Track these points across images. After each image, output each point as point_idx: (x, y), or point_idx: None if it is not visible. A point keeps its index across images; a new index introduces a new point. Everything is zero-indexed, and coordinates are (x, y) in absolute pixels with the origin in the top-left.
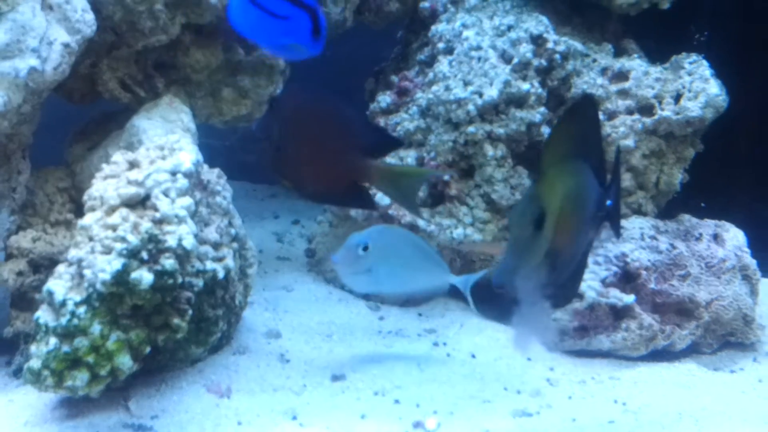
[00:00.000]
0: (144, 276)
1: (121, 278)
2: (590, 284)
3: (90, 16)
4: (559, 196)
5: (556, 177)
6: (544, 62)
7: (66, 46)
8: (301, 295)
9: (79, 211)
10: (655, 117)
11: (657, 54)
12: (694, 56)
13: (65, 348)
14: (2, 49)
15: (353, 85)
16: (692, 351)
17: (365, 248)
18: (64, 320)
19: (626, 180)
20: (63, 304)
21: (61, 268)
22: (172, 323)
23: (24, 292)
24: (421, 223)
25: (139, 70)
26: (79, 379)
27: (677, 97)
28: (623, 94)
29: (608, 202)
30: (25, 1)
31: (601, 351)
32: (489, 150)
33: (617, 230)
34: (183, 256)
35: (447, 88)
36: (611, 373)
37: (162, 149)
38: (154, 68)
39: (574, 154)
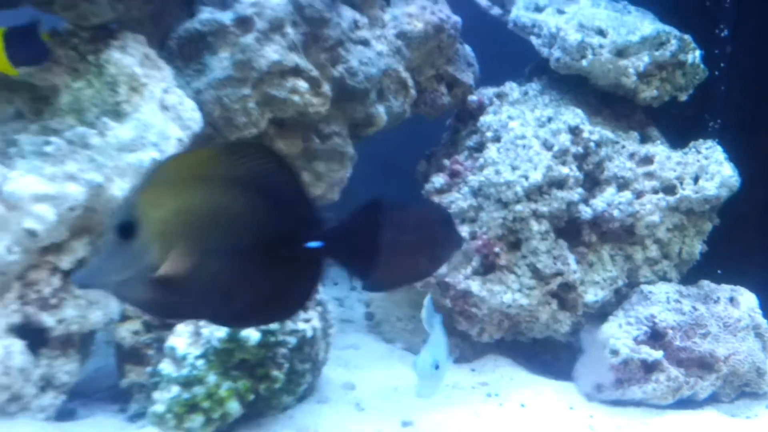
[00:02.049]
0: (252, 335)
1: (232, 336)
2: (624, 342)
3: (197, 115)
4: (167, 210)
5: (173, 188)
6: (580, 149)
7: (179, 140)
8: (367, 353)
9: None
10: (677, 196)
11: (677, 138)
12: (709, 142)
13: (185, 395)
14: (129, 144)
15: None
16: (713, 400)
17: (437, 367)
18: (185, 371)
19: (653, 251)
20: (184, 357)
21: (180, 328)
22: (272, 375)
23: (137, 348)
24: (474, 288)
25: None
26: (196, 421)
27: (696, 178)
28: (649, 175)
29: (317, 243)
30: (147, 102)
31: (634, 400)
32: (534, 225)
33: (363, 274)
34: (283, 323)
35: (497, 172)
36: (643, 420)
37: None
38: None
39: (225, 174)
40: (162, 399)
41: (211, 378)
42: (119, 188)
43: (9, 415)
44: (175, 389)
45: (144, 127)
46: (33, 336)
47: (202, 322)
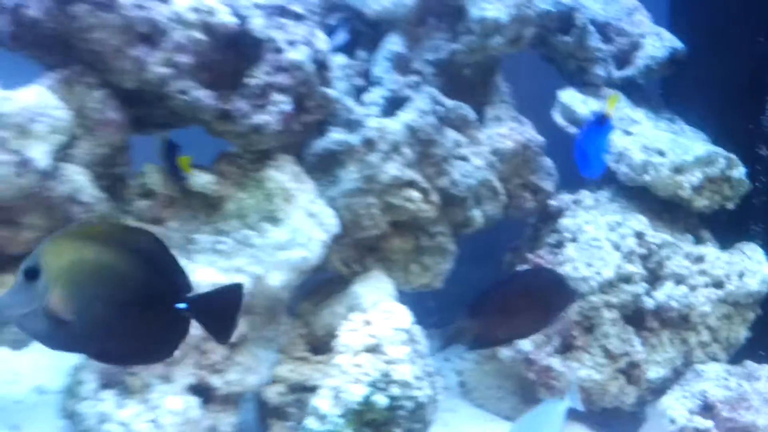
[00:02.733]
0: (380, 399)
1: (366, 400)
2: (680, 413)
3: (335, 221)
4: (66, 261)
5: (72, 244)
6: (644, 251)
7: (322, 241)
8: (463, 416)
9: (313, 350)
10: (725, 290)
11: (725, 240)
12: (752, 244)
13: None
14: (283, 244)
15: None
16: None
17: None
18: (326, 428)
19: (705, 336)
20: (325, 416)
21: (323, 392)
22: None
23: (281, 407)
24: (554, 365)
25: (356, 252)
26: None
27: (741, 275)
28: (702, 272)
29: (184, 305)
30: (296, 210)
31: None
32: (606, 314)
33: (219, 337)
34: (404, 386)
35: (574, 268)
36: None
37: (387, 312)
38: (366, 251)
39: (115, 241)
40: None
41: None
42: (276, 280)
43: None
44: None
45: (294, 230)
46: (204, 393)
47: (342, 389)
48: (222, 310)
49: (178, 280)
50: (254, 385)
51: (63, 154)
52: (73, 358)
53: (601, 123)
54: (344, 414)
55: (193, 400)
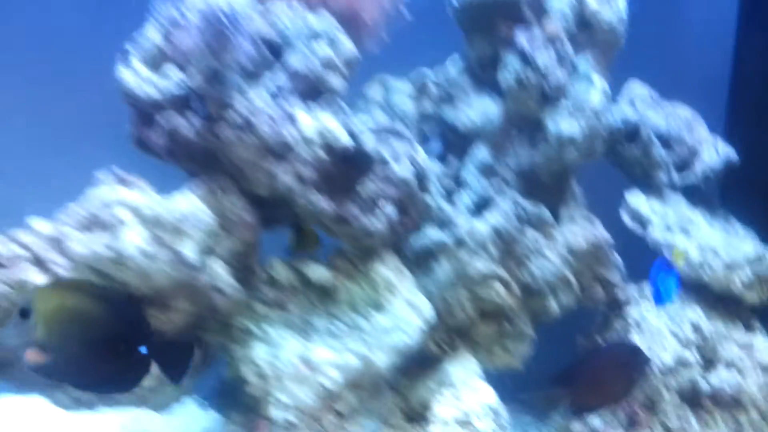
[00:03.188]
0: None
1: None
2: None
3: (431, 311)
4: (52, 305)
5: (58, 293)
6: (700, 339)
7: (420, 328)
8: None
9: (409, 420)
10: None
11: None
12: None
13: None
14: (387, 329)
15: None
16: None
17: None
18: None
19: (754, 414)
20: None
21: None
22: None
23: None
24: None
25: (447, 335)
26: None
27: None
28: (750, 356)
29: (144, 349)
30: (398, 300)
31: None
32: (666, 395)
33: (172, 378)
34: None
35: None
36: None
37: (475, 389)
38: (456, 334)
39: (92, 293)
40: None
41: None
42: (380, 360)
43: None
44: None
45: (396, 317)
46: None
47: None
48: (177, 357)
49: (142, 328)
50: None
51: (207, 250)
52: (199, 424)
53: (669, 267)
54: None
55: None
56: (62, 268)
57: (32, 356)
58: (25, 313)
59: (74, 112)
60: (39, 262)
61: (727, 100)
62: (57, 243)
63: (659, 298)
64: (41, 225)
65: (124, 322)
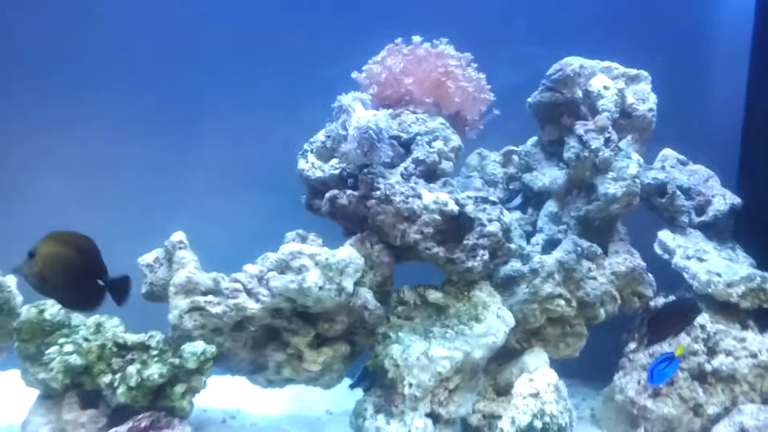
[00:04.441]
0: (538, 424)
1: (529, 424)
2: None
3: (512, 320)
4: (46, 250)
5: (53, 243)
6: (704, 336)
7: (505, 332)
8: None
9: (497, 394)
10: (758, 359)
11: (764, 327)
12: None
13: None
14: (482, 334)
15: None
16: None
17: None
18: None
19: (745, 387)
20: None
21: (504, 419)
22: None
23: (479, 427)
24: (649, 404)
25: (524, 336)
26: None
27: None
28: (744, 348)
29: (102, 282)
30: (490, 314)
31: None
32: (680, 374)
33: (118, 302)
34: (552, 416)
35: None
36: None
37: (543, 373)
38: (530, 335)
39: (71, 243)
40: None
41: None
42: (478, 355)
43: None
44: None
45: (489, 326)
46: (435, 418)
47: (516, 417)
48: (120, 288)
49: (101, 269)
50: (463, 414)
51: (359, 282)
52: (351, 395)
53: (671, 359)
54: (517, 431)
55: (429, 422)
56: (265, 297)
57: (35, 281)
58: (32, 254)
59: (264, 177)
60: (250, 293)
61: (738, 161)
62: (261, 280)
63: (652, 379)
64: (251, 268)
65: (91, 264)
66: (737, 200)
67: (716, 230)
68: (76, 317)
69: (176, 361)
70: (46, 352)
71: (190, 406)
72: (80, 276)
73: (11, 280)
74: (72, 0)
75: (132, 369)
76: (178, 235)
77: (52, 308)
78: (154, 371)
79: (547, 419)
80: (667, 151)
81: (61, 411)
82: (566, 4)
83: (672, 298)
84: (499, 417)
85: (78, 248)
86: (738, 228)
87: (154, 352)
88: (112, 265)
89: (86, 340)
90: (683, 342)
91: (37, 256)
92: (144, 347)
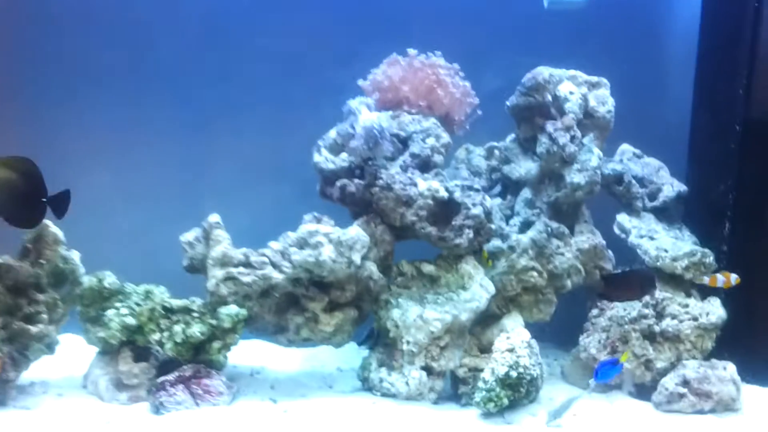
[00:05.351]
0: (513, 373)
1: (506, 374)
2: (671, 385)
3: (493, 288)
4: None
5: (2, 169)
6: (654, 301)
7: (487, 298)
8: (560, 388)
9: (480, 351)
10: (698, 322)
11: (702, 295)
12: (716, 297)
13: (488, 396)
14: (467, 300)
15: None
16: (709, 412)
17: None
18: (487, 387)
19: (688, 346)
20: (486, 381)
21: (486, 371)
22: (521, 390)
23: (465, 378)
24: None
25: (503, 302)
26: (497, 405)
27: (708, 314)
28: (687, 313)
29: (44, 200)
30: (474, 283)
31: (671, 410)
32: (633, 334)
33: (57, 215)
34: (525, 368)
35: (623, 308)
36: (663, 416)
37: (518, 333)
38: (509, 301)
39: (15, 167)
40: (480, 396)
41: (500, 390)
42: (464, 318)
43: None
44: (483, 393)
45: (473, 293)
46: (429, 370)
47: (495, 369)
48: (61, 202)
49: (43, 189)
50: (452, 367)
51: (365, 256)
52: (357, 355)
53: (615, 364)
54: (495, 380)
55: (423, 373)
56: (287, 268)
57: None
58: None
59: (286, 172)
60: (274, 265)
61: (686, 155)
62: (284, 255)
63: (597, 377)
64: (275, 244)
65: (34, 185)
66: (683, 188)
67: (666, 214)
68: (129, 286)
69: (214, 321)
70: (105, 314)
71: (225, 359)
72: (22, 196)
73: (75, 254)
74: (121, 21)
75: (177, 328)
76: (215, 217)
77: (110, 278)
78: (196, 330)
79: (521, 370)
80: (625, 146)
81: (117, 364)
82: (540, 21)
83: (629, 268)
84: (482, 369)
85: (21, 171)
86: (686, 212)
87: (196, 314)
88: (161, 244)
89: (138, 304)
90: (633, 313)
91: None
92: (187, 310)
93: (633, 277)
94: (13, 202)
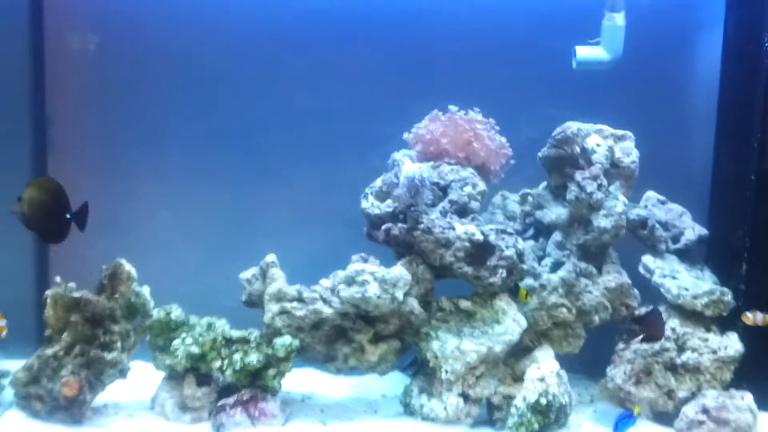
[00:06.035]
0: (543, 400)
1: (537, 401)
2: (691, 413)
3: (525, 323)
4: (27, 195)
5: (32, 189)
6: (676, 336)
7: (519, 332)
8: (588, 413)
9: (514, 380)
10: (718, 355)
11: (722, 330)
12: (734, 333)
13: (523, 420)
14: (501, 333)
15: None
16: None
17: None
18: (519, 412)
19: (708, 377)
20: (518, 407)
21: (518, 398)
22: (551, 416)
23: (499, 405)
24: (633, 390)
25: (535, 336)
26: (535, 424)
27: (726, 348)
28: (707, 346)
29: (69, 216)
30: (508, 318)
31: None
32: (656, 366)
33: (79, 226)
34: (554, 396)
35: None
36: None
37: (548, 364)
38: (540, 335)
39: (46, 188)
40: (512, 421)
41: (531, 416)
42: (498, 349)
43: None
44: (515, 419)
45: (506, 327)
46: (466, 397)
47: (526, 396)
48: (82, 214)
49: (67, 206)
50: (487, 394)
51: (407, 293)
52: (400, 384)
53: (631, 417)
54: (527, 407)
55: (461, 400)
56: (337, 304)
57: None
58: (18, 199)
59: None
60: (325, 301)
61: (708, 201)
62: (333, 291)
63: (616, 429)
64: (325, 282)
65: (60, 203)
66: (704, 231)
67: (688, 255)
68: (193, 318)
69: (269, 351)
70: (172, 343)
71: (279, 385)
72: (51, 213)
73: (146, 289)
74: (192, 82)
75: (237, 356)
76: (271, 257)
77: (176, 311)
78: (253, 358)
79: (550, 397)
80: (650, 193)
81: (182, 388)
82: (570, 79)
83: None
84: (515, 397)
85: (50, 192)
86: (708, 254)
87: (253, 344)
88: (222, 281)
89: (201, 335)
90: (656, 346)
91: (23, 198)
92: (245, 341)
93: (657, 315)
94: (44, 218)
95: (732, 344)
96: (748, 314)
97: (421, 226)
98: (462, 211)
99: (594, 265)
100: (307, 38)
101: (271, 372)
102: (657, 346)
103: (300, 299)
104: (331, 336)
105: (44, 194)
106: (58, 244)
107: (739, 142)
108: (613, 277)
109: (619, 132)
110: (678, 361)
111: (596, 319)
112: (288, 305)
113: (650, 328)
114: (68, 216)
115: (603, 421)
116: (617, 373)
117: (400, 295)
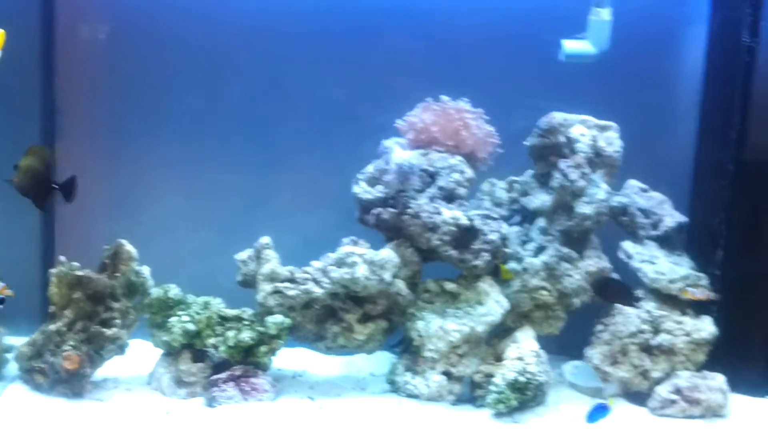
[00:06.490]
0: (521, 378)
1: (515, 379)
2: (664, 393)
3: (507, 304)
4: (23, 164)
5: (27, 159)
6: (651, 318)
7: (501, 314)
8: (566, 393)
9: (495, 360)
10: (692, 337)
11: (697, 313)
12: (707, 316)
13: (501, 398)
14: (483, 314)
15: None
16: (699, 417)
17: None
18: (498, 389)
19: (682, 358)
20: (498, 385)
21: (497, 376)
22: (528, 394)
23: (480, 383)
24: (609, 370)
25: (516, 317)
26: (512, 402)
27: (699, 330)
28: (681, 329)
29: (56, 185)
30: (490, 300)
31: (664, 414)
32: (631, 347)
33: (67, 199)
34: (532, 374)
35: (623, 324)
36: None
37: (528, 343)
38: (521, 317)
39: (39, 155)
40: (491, 398)
41: (509, 393)
42: (480, 330)
43: None
44: (494, 396)
45: (488, 308)
46: (448, 375)
47: (506, 374)
48: (70, 187)
49: (53, 176)
50: (469, 373)
51: (395, 275)
52: (388, 363)
53: (605, 408)
54: (505, 384)
55: (443, 378)
56: (327, 284)
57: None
58: (15, 167)
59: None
60: (315, 281)
61: (690, 189)
62: (324, 272)
63: (589, 419)
64: (316, 263)
65: (48, 172)
66: (684, 219)
67: (668, 242)
68: (191, 297)
69: (262, 328)
70: (169, 321)
71: (270, 362)
72: (44, 180)
73: (146, 269)
74: (198, 75)
75: (230, 333)
76: (265, 239)
77: (174, 290)
78: (246, 335)
79: (528, 376)
80: (632, 182)
81: (178, 364)
82: (557, 71)
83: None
84: (494, 375)
85: (43, 158)
86: (688, 241)
87: (246, 322)
88: (219, 262)
89: (197, 313)
90: (632, 328)
91: (19, 168)
92: (239, 319)
93: (622, 288)
94: (36, 186)
95: (706, 327)
96: (689, 289)
97: (410, 210)
98: (450, 197)
99: (576, 250)
100: (303, 28)
101: (263, 349)
102: (633, 327)
103: (292, 280)
104: (322, 315)
105: (39, 162)
106: (42, 212)
107: (720, 132)
108: (594, 261)
109: (603, 123)
110: (653, 342)
111: (576, 301)
112: (280, 285)
113: (615, 296)
114: (55, 185)
115: (580, 399)
116: (594, 354)
117: (387, 276)
